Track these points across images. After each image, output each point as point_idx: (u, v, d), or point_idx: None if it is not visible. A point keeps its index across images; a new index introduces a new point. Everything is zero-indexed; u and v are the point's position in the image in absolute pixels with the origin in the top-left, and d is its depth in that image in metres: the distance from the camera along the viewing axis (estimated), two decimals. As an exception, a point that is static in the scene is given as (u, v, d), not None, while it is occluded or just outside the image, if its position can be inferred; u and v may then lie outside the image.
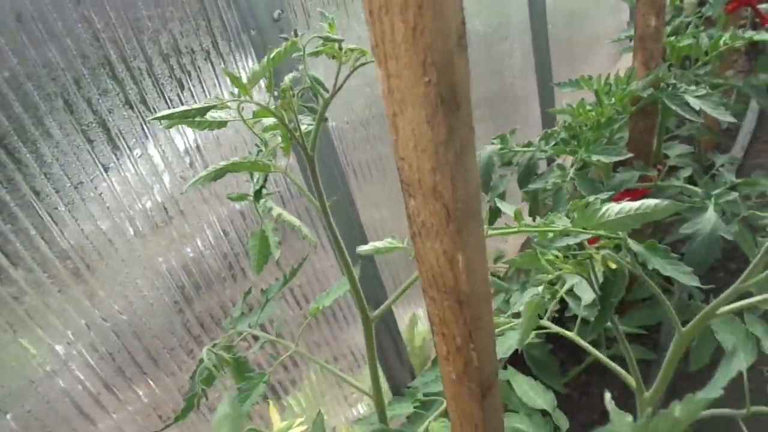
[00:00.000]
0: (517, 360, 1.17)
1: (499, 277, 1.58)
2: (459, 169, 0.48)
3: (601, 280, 0.84)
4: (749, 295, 0.83)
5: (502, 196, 1.59)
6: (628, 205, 0.67)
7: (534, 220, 0.82)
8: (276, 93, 0.61)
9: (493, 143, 1.51)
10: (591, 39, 2.74)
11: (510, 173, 1.58)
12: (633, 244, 0.77)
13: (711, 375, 0.82)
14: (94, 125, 0.81)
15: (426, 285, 0.58)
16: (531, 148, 1.48)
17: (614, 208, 0.68)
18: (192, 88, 0.94)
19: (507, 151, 1.51)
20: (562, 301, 1.06)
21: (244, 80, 0.62)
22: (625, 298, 1.77)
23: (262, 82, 0.97)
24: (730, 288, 0.72)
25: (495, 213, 1.60)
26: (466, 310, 0.57)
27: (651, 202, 0.65)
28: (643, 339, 1.68)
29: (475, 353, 0.61)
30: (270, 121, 0.71)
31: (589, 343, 1.42)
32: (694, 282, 0.72)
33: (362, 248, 0.73)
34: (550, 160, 1.63)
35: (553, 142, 1.39)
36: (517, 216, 0.74)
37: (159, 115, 0.60)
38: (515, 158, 1.55)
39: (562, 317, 1.21)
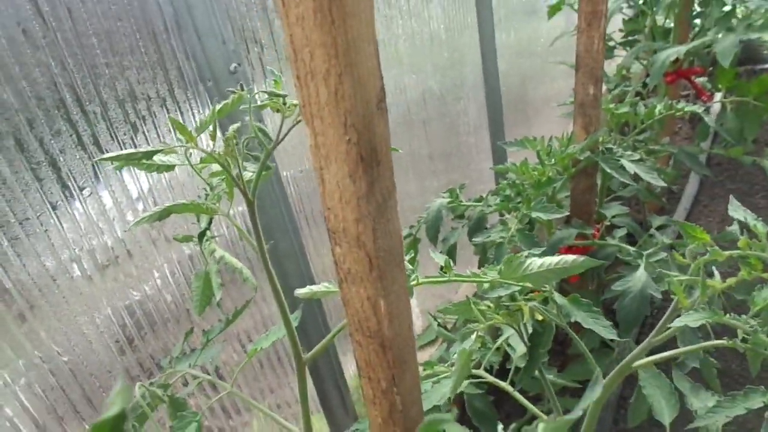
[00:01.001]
0: (464, 411, 1.20)
1: (446, 328, 1.61)
2: (381, 220, 0.52)
3: (530, 331, 0.88)
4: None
5: (454, 248, 1.64)
6: (549, 260, 0.72)
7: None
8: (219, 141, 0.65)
9: (442, 196, 1.57)
10: (545, 100, 2.88)
11: (461, 226, 1.64)
12: (558, 297, 0.81)
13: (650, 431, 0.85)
14: (44, 164, 0.83)
15: (353, 329, 0.61)
16: (480, 203, 1.54)
17: (536, 262, 0.72)
18: (146, 132, 0.97)
19: (456, 205, 1.57)
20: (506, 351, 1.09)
21: (192, 128, 0.66)
22: (567, 351, 1.82)
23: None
24: (643, 342, 0.76)
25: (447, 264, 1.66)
26: (389, 354, 0.60)
27: (569, 257, 0.70)
28: (583, 392, 1.72)
29: (399, 397, 0.64)
30: (217, 167, 0.74)
31: (534, 394, 1.45)
32: (611, 335, 0.77)
33: (300, 291, 0.76)
34: (501, 214, 1.71)
35: (499, 199, 1.46)
36: (446, 266, 0.78)
37: (106, 156, 0.63)
38: (467, 212, 1.61)
39: (506, 367, 1.24)
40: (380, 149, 0.48)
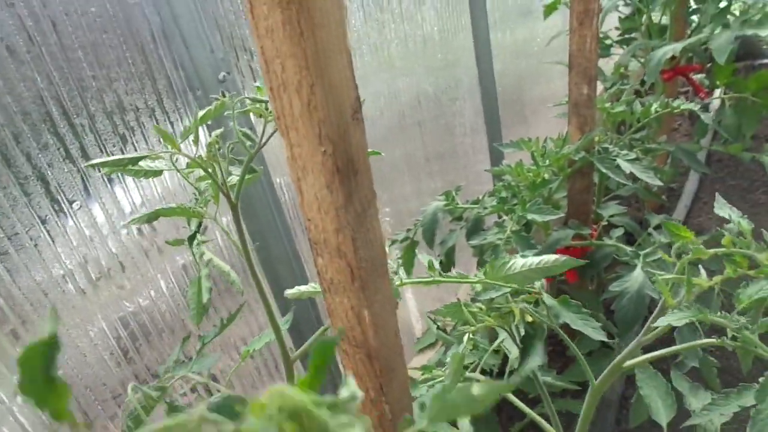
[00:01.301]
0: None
1: (445, 330, 1.61)
2: (360, 230, 0.52)
3: (522, 333, 0.88)
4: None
5: (452, 250, 1.64)
6: (531, 260, 0.72)
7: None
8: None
9: (438, 199, 1.57)
10: (542, 100, 2.87)
11: (460, 228, 1.63)
12: (547, 299, 0.81)
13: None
14: (32, 178, 0.83)
15: (338, 339, 0.61)
16: (476, 205, 1.54)
17: (519, 263, 0.72)
18: (135, 143, 0.97)
19: (453, 207, 1.56)
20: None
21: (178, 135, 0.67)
22: (567, 353, 1.81)
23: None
24: (632, 343, 0.76)
25: (447, 265, 1.66)
26: (375, 363, 0.60)
27: (551, 257, 0.70)
28: (583, 393, 1.71)
29: (387, 406, 0.64)
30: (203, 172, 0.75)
31: (533, 396, 1.44)
32: (600, 337, 0.77)
33: (289, 292, 0.76)
34: (499, 215, 1.70)
35: (495, 200, 1.45)
36: (430, 266, 0.78)
37: (93, 162, 0.63)
38: (465, 213, 1.61)
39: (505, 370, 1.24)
40: (357, 159, 0.48)
